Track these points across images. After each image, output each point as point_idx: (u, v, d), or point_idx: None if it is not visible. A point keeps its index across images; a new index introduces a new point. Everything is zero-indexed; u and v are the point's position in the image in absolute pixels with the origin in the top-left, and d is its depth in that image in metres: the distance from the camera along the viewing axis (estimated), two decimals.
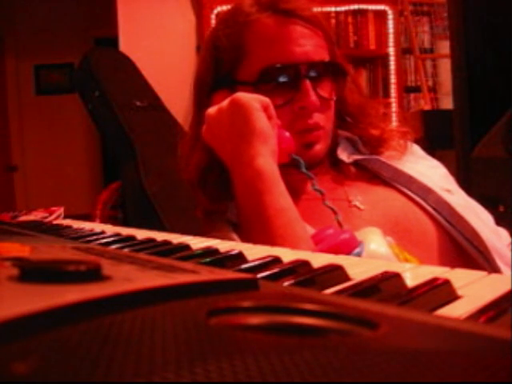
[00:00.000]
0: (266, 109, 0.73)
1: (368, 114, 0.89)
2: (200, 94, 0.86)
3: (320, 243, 0.65)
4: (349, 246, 0.62)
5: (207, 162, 0.81)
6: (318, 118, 0.80)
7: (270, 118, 0.73)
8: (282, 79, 0.79)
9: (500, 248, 0.77)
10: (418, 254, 0.71)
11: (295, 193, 0.77)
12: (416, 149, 0.92)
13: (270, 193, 0.68)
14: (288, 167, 0.76)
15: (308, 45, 0.80)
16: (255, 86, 0.79)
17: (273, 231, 0.67)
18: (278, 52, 0.79)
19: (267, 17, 0.80)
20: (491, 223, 0.85)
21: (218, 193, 0.81)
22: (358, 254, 0.61)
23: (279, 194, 0.69)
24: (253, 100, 0.72)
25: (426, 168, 0.87)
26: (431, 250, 0.76)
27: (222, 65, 0.83)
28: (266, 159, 0.70)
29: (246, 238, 0.72)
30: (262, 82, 0.79)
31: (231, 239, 0.75)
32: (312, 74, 0.79)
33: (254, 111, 0.71)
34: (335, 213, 0.73)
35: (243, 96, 0.72)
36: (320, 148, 0.82)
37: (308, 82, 0.78)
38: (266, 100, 0.73)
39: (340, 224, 0.72)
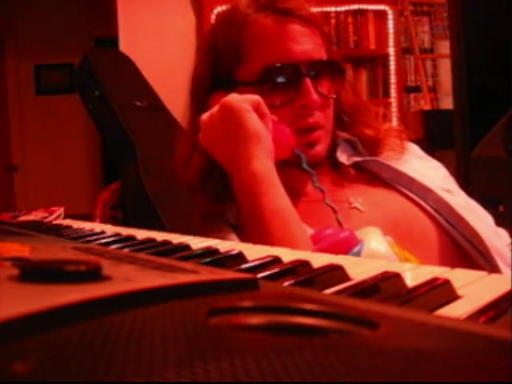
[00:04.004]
0: (257, 108, 0.72)
1: (362, 113, 0.89)
2: (198, 96, 0.86)
3: (319, 242, 0.65)
4: (348, 245, 0.62)
5: (207, 164, 0.81)
6: (318, 116, 0.80)
7: (263, 116, 0.72)
8: (282, 78, 0.79)
9: (500, 248, 0.77)
10: (419, 254, 0.71)
11: (294, 194, 0.76)
12: (415, 149, 0.92)
13: (265, 195, 0.68)
14: (287, 167, 0.76)
15: (307, 43, 0.80)
16: (255, 86, 0.78)
17: (270, 233, 0.67)
18: (278, 51, 0.79)
19: (265, 16, 0.80)
20: (491, 223, 0.85)
21: (218, 195, 0.81)
22: (358, 253, 0.61)
23: (275, 196, 0.69)
24: (242, 102, 0.71)
25: (425, 168, 0.87)
26: (431, 250, 0.76)
27: (220, 66, 0.83)
28: (262, 161, 0.70)
29: (246, 240, 0.72)
30: (263, 82, 0.79)
31: (231, 240, 0.75)
32: (312, 72, 0.79)
33: (245, 113, 0.71)
34: (335, 212, 0.73)
35: (232, 99, 0.72)
36: (321, 148, 0.82)
37: (308, 81, 0.78)
38: (257, 98, 0.73)
39: (340, 224, 0.72)
